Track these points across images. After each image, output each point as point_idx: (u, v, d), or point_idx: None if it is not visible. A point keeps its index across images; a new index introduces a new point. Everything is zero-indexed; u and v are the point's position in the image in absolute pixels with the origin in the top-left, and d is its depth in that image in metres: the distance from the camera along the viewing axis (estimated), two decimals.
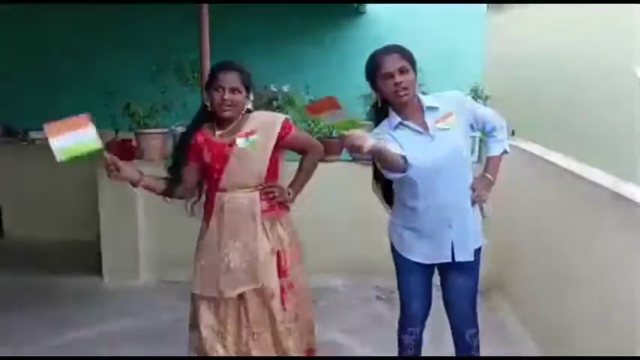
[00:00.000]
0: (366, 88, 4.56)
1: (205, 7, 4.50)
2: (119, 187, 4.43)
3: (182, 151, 2.52)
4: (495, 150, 2.60)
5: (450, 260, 2.54)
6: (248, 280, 2.48)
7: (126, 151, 4.50)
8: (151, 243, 4.55)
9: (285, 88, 4.34)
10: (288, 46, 5.98)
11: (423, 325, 2.73)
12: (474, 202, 2.54)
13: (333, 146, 4.25)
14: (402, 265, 2.63)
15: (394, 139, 2.41)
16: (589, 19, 3.46)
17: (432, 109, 2.45)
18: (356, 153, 2.22)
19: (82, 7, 5.83)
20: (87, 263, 4.70)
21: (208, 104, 2.46)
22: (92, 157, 2.19)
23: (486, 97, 4.39)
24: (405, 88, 2.37)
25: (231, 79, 2.39)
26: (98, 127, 4.85)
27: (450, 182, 2.45)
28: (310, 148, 2.66)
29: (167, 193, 2.56)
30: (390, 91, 2.39)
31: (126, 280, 4.46)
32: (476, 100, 4.36)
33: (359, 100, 4.34)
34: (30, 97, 6.14)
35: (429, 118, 2.44)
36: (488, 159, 2.63)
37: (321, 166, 2.81)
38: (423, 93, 4.29)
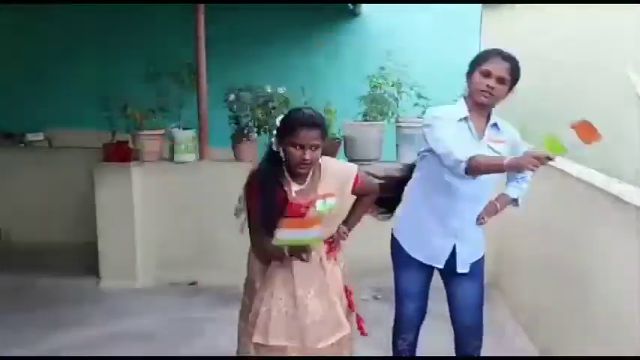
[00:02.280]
0: (360, 89, 4.61)
1: (201, 8, 4.53)
2: (116, 189, 4.48)
3: (271, 209, 2.27)
4: (512, 192, 2.70)
5: (442, 266, 2.60)
6: (335, 328, 2.38)
7: (122, 153, 4.51)
8: (148, 244, 4.56)
9: (281, 90, 4.36)
10: (283, 47, 6.01)
11: (417, 330, 2.76)
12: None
13: (330, 147, 4.26)
14: (401, 261, 2.67)
15: (451, 128, 2.47)
16: (587, 19, 3.48)
17: (496, 127, 2.55)
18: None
19: (79, 10, 5.85)
20: (84, 265, 4.69)
21: (280, 151, 2.26)
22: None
23: None
24: (491, 94, 2.43)
25: (313, 136, 2.19)
26: (95, 128, 4.90)
27: (472, 196, 2.53)
28: (370, 190, 2.56)
29: None
30: (478, 87, 2.44)
31: (123, 282, 4.46)
32: None
33: (354, 101, 4.37)
34: (27, 100, 6.15)
35: (488, 131, 2.53)
36: (504, 194, 2.71)
37: None
38: (421, 96, 4.34)
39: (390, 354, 2.89)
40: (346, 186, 2.38)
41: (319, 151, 2.24)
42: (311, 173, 2.31)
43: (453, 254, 2.58)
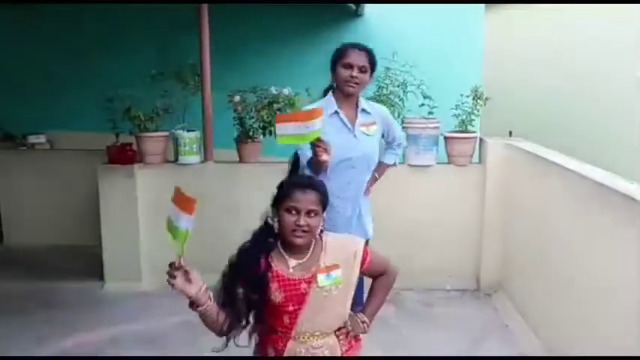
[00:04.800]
0: (367, 90, 4.59)
1: (205, 10, 4.51)
2: (120, 191, 4.45)
3: (236, 276, 1.96)
4: (390, 159, 3.17)
5: None
6: None
7: (126, 155, 4.49)
8: (153, 247, 4.53)
9: (286, 91, 4.34)
10: (288, 48, 5.99)
11: None
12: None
13: None
14: None
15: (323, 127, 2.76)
16: (591, 18, 3.48)
17: (365, 112, 2.87)
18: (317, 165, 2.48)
19: (82, 11, 5.82)
20: (88, 268, 4.67)
21: (274, 224, 1.98)
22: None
23: (486, 99, 4.39)
24: (357, 84, 2.75)
25: (309, 200, 1.94)
26: (100, 130, 4.87)
27: (357, 178, 2.86)
28: (385, 270, 2.18)
29: (226, 332, 1.97)
30: (344, 79, 2.74)
31: (128, 285, 4.43)
32: (476, 101, 4.38)
33: None
34: (29, 102, 6.12)
35: (359, 118, 2.84)
36: (381, 163, 3.13)
37: None
38: (426, 96, 4.35)
39: (394, 353, 2.88)
40: (353, 259, 2.03)
41: (317, 220, 1.95)
42: (312, 247, 2.00)
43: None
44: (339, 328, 2.05)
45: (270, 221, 2.00)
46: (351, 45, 2.78)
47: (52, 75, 6.18)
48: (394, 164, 3.23)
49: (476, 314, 4.06)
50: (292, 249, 1.98)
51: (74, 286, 4.53)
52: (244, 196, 4.49)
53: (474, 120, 4.43)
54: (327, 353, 2.01)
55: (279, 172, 4.49)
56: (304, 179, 2.07)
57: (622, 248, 2.57)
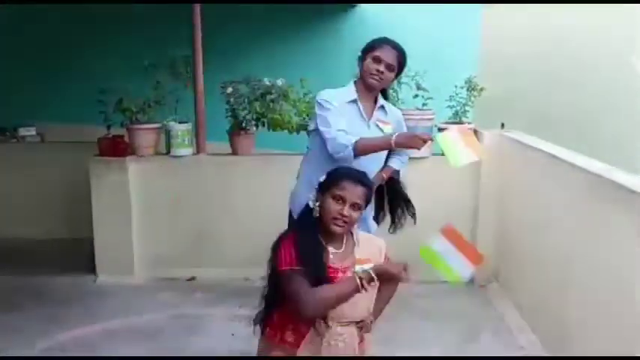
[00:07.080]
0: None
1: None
2: (112, 184, 4.41)
3: (318, 264, 1.99)
4: (396, 164, 3.01)
5: None
6: None
7: (118, 147, 4.44)
8: (146, 240, 4.50)
9: (280, 82, 4.29)
10: (281, 39, 5.94)
11: None
12: None
13: None
14: None
15: (340, 113, 2.69)
16: (586, 14, 3.45)
17: (383, 109, 2.84)
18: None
19: (73, 3, 5.75)
20: (80, 261, 4.63)
21: (315, 207, 2.04)
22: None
23: (481, 89, 4.36)
24: (381, 79, 2.71)
25: (357, 193, 2.00)
26: (90, 122, 4.81)
27: (365, 167, 2.56)
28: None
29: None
30: (369, 72, 2.70)
31: (120, 278, 4.40)
32: (470, 92, 4.35)
33: None
34: (19, 94, 6.05)
35: (377, 113, 2.81)
36: (388, 166, 2.99)
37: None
38: (420, 87, 4.31)
39: (395, 353, 2.85)
40: (379, 256, 2.11)
41: (358, 215, 2.02)
42: (345, 239, 2.07)
43: None
44: (361, 321, 2.08)
45: (311, 204, 2.05)
46: (385, 40, 2.76)
47: (43, 67, 6.11)
48: (398, 172, 3.05)
49: (471, 306, 4.05)
50: (329, 237, 2.04)
51: (67, 280, 4.49)
52: (237, 188, 4.46)
53: (468, 111, 4.40)
54: (346, 341, 2.04)
55: (272, 164, 4.48)
56: (356, 172, 2.11)
57: (619, 240, 2.56)
